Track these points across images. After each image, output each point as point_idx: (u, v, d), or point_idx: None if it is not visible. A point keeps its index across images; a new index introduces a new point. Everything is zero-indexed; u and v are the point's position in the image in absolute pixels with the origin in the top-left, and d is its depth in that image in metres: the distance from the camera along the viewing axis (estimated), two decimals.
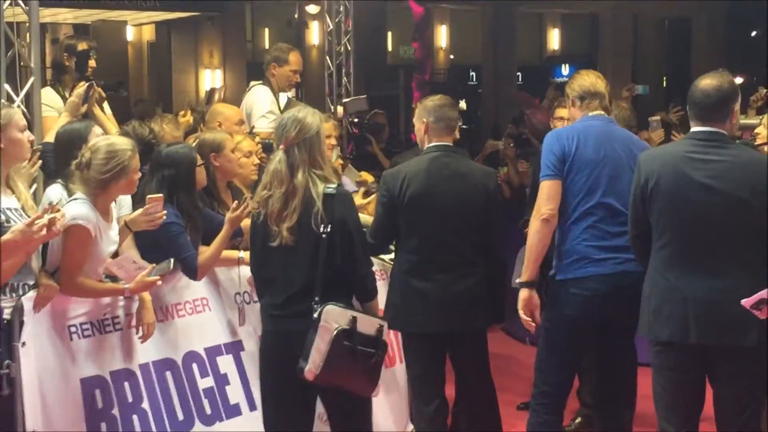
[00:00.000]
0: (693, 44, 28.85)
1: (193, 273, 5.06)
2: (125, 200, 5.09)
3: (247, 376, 5.31)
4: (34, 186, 5.61)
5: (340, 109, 10.38)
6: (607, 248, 4.84)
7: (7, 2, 5.97)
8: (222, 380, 5.22)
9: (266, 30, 24.89)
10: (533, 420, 5.07)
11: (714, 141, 4.35)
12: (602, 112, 5.11)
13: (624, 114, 6.42)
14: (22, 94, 6.05)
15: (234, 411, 5.24)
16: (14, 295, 4.37)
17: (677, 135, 8.93)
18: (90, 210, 4.49)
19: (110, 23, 21.21)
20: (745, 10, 25.02)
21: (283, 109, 7.40)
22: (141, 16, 21.05)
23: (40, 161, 5.35)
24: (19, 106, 5.71)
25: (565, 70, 26.00)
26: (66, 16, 20.01)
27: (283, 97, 7.61)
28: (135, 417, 4.78)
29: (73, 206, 4.47)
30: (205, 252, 5.11)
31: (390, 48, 26.16)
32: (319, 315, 4.26)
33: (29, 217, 4.08)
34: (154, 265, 4.68)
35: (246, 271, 5.06)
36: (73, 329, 4.60)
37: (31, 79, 6.09)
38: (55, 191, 4.87)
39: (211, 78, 22.71)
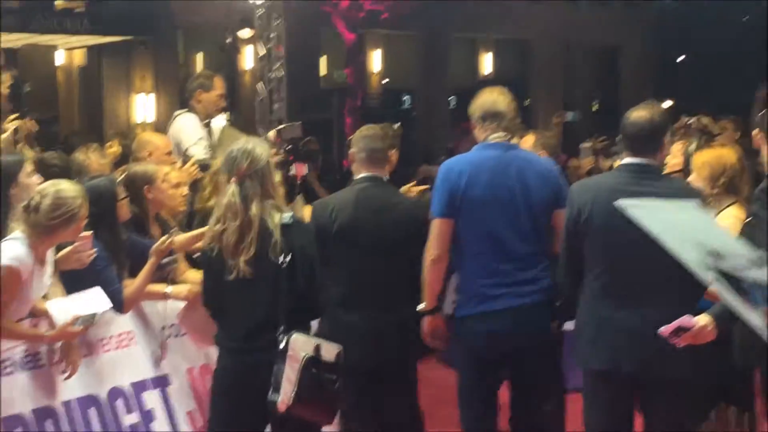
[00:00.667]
0: (622, 71, 29.38)
1: (119, 306, 4.97)
2: None
3: (174, 411, 5.21)
4: None
5: (272, 134, 10.33)
6: (503, 284, 4.75)
7: None
8: (147, 417, 5.12)
9: (199, 54, 24.74)
10: None
11: (646, 173, 4.38)
12: (503, 136, 4.91)
13: (550, 142, 6.42)
14: None
15: None
16: None
17: (605, 161, 9.03)
18: (27, 252, 4.40)
19: (40, 48, 20.90)
20: (672, 37, 25.52)
21: (220, 136, 7.35)
22: (71, 40, 20.77)
23: None
24: None
25: None
26: None
27: (220, 121, 7.55)
28: None
29: (9, 246, 4.37)
30: (130, 285, 5.03)
31: (324, 72, 26.16)
32: (287, 344, 4.22)
33: None
34: (79, 315, 4.56)
35: (172, 303, 4.96)
36: None
37: None
38: None
39: (143, 103, 22.49)
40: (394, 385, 5.29)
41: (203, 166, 6.12)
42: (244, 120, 18.98)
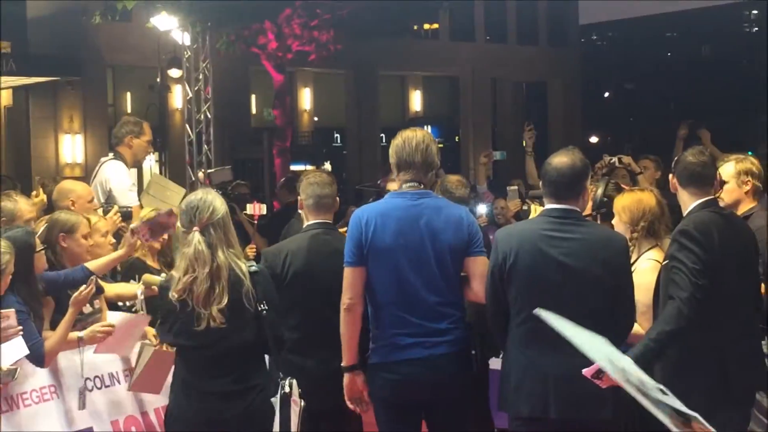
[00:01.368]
0: (549, 107, 29.82)
1: (39, 360, 4.87)
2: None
3: None
4: None
5: (200, 175, 10.31)
6: (413, 334, 4.68)
7: None
8: None
9: (128, 94, 24.57)
10: None
11: (568, 219, 4.43)
12: (416, 185, 4.77)
13: (459, 192, 6.28)
14: None
15: None
16: None
17: (531, 202, 9.10)
18: None
19: None
20: (598, 73, 26.01)
21: (147, 185, 7.34)
22: None
23: None
24: None
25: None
26: None
27: (148, 161, 7.54)
28: None
29: None
30: (51, 338, 4.92)
31: (254, 111, 26.13)
32: (291, 388, 4.40)
33: None
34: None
35: (90, 356, 4.92)
36: None
37: None
38: None
39: (71, 143, 22.22)
40: (346, 425, 5.34)
41: (125, 214, 6.14)
42: (175, 160, 18.81)
